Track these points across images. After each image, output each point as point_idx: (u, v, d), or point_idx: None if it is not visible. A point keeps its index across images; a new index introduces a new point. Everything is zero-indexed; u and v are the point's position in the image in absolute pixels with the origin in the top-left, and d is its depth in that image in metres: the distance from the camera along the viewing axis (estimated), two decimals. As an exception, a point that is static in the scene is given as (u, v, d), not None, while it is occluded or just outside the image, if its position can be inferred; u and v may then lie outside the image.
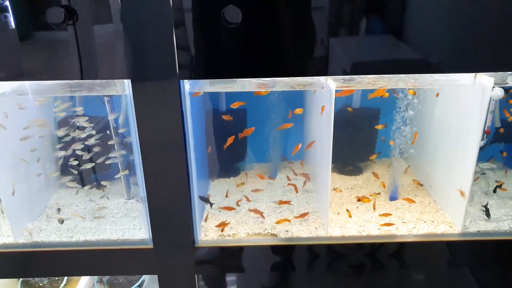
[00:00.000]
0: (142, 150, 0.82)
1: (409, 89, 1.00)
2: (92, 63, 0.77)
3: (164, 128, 0.80)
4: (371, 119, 1.17)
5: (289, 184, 1.12)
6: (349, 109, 1.17)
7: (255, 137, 1.21)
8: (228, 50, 0.75)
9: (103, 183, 1.11)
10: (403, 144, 1.08)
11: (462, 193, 0.90)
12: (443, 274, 0.99)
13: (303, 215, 0.99)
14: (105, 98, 1.02)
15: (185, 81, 0.80)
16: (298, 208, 1.03)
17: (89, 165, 0.98)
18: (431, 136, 1.08)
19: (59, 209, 1.05)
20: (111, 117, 1.03)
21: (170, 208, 0.87)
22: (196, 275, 0.95)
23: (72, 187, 1.09)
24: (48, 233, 0.95)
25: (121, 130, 1.04)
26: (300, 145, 1.11)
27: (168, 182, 0.85)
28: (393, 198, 1.07)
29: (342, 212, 1.01)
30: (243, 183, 1.16)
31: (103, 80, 0.86)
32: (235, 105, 1.01)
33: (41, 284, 1.40)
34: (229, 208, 1.02)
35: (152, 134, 0.81)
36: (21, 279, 1.38)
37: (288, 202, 1.04)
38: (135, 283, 1.36)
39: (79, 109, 0.96)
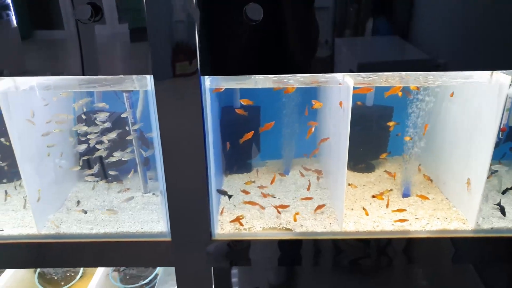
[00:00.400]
0: (163, 144, 0.84)
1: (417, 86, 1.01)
2: (115, 59, 0.79)
3: (185, 123, 0.82)
4: (384, 117, 1.18)
5: (308, 184, 1.13)
6: (359, 103, 1.18)
7: (267, 134, 1.23)
8: (250, 47, 0.77)
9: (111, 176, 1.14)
10: (415, 142, 1.10)
11: (469, 183, 0.91)
12: (456, 270, 1.01)
13: (320, 206, 1.01)
14: (125, 94, 1.05)
15: (206, 77, 0.82)
16: (312, 204, 1.05)
17: (113, 158, 1.00)
18: (444, 134, 1.09)
19: (78, 202, 1.08)
20: (129, 113, 1.05)
21: (189, 202, 0.89)
22: (212, 267, 0.98)
23: (90, 181, 1.12)
24: (69, 224, 0.97)
25: (135, 127, 1.06)
26: (313, 128, 1.11)
27: (187, 177, 0.87)
28: (405, 195, 1.09)
29: (355, 208, 1.03)
30: (253, 181, 1.18)
31: (119, 76, 0.89)
32: (244, 102, 1.02)
33: (55, 278, 1.44)
34: (253, 203, 1.03)
35: (173, 129, 0.82)
36: (37, 272, 1.42)
37: (310, 199, 1.05)
38: (148, 277, 1.38)
39: (102, 105, 0.98)
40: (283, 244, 0.95)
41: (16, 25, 0.76)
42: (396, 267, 0.96)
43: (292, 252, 0.95)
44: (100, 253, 0.95)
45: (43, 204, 0.98)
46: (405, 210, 1.00)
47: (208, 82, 0.83)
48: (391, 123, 1.14)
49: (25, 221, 0.99)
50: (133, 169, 1.14)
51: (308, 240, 0.94)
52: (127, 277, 1.41)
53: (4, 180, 1.14)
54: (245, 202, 1.03)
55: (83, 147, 0.98)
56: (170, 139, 0.84)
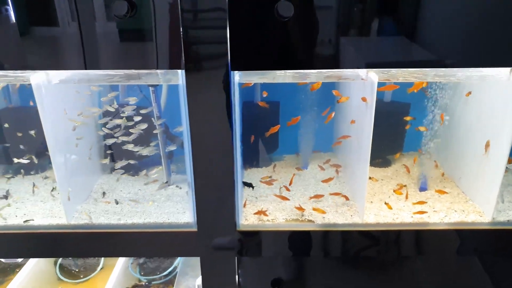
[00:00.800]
0: (192, 138, 0.87)
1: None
2: (149, 53, 0.82)
3: (214, 117, 0.85)
4: (401, 113, 1.21)
5: (327, 179, 1.15)
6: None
7: (285, 129, 1.25)
8: (279, 43, 0.80)
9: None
10: (431, 138, 1.12)
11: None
12: (474, 261, 1.03)
13: (345, 197, 1.04)
14: (150, 89, 1.07)
15: (235, 72, 0.85)
16: (332, 197, 1.07)
17: (145, 151, 1.03)
18: (460, 129, 1.12)
19: (104, 193, 1.11)
20: (155, 107, 1.07)
21: (216, 194, 0.92)
22: (236, 257, 1.00)
23: (117, 174, 1.14)
24: (97, 215, 1.00)
25: (158, 122, 1.09)
26: (333, 114, 1.12)
27: (215, 169, 0.89)
28: (422, 189, 1.11)
29: (375, 201, 1.05)
30: (270, 176, 1.20)
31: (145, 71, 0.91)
32: (264, 94, 1.04)
33: (75, 270, 1.47)
34: (283, 198, 1.06)
35: (202, 123, 0.85)
36: (58, 264, 1.45)
37: (338, 194, 1.07)
38: (166, 269, 1.41)
39: (133, 99, 1.01)
40: (306, 235, 0.98)
41: (51, 20, 0.79)
42: (416, 258, 0.98)
43: (314, 243, 0.98)
44: (128, 243, 0.98)
45: (72, 195, 1.00)
46: (426, 202, 1.03)
47: (237, 77, 0.85)
48: (407, 118, 1.17)
49: (54, 212, 1.02)
50: (161, 166, 1.17)
51: (329, 232, 0.97)
52: (146, 269, 1.45)
53: (32, 172, 1.18)
54: (276, 196, 1.06)
55: (111, 141, 1.01)
56: (199, 133, 0.87)
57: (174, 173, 1.19)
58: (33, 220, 0.99)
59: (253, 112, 1.20)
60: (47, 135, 0.89)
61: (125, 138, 1.05)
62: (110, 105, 1.04)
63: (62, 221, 0.98)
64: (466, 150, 1.09)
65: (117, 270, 1.36)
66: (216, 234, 0.97)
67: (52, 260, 1.49)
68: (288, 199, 1.05)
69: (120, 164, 1.06)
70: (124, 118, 1.03)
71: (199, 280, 1.06)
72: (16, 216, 1.00)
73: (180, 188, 1.13)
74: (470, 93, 1.06)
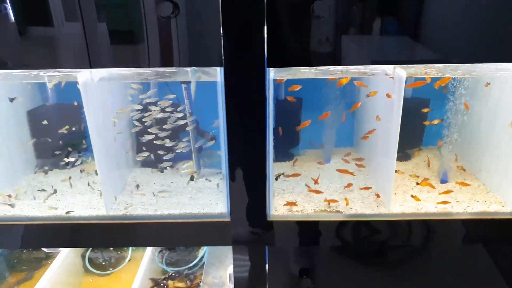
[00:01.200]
0: (228, 132, 0.91)
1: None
2: (191, 52, 0.86)
3: (250, 112, 0.89)
4: (421, 108, 1.25)
5: (343, 169, 1.20)
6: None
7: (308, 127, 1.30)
8: (313, 40, 0.84)
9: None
10: (451, 130, 1.16)
11: None
12: (496, 250, 1.07)
13: (366, 188, 1.09)
14: (183, 86, 1.12)
15: (270, 69, 0.89)
16: (357, 188, 1.12)
17: (181, 146, 1.08)
18: (480, 123, 1.16)
19: (137, 186, 1.16)
20: (187, 104, 1.12)
21: (249, 185, 0.96)
22: (267, 247, 1.05)
23: (148, 167, 1.21)
24: (134, 207, 1.05)
25: (190, 119, 1.13)
26: (360, 103, 1.16)
27: (248, 162, 0.94)
28: (443, 181, 1.15)
29: (398, 192, 1.09)
30: (282, 173, 1.24)
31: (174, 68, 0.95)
32: (293, 88, 1.08)
33: (103, 263, 1.52)
34: (317, 191, 1.10)
35: (239, 118, 0.90)
36: (87, 256, 1.50)
37: (369, 188, 1.11)
38: (191, 261, 1.46)
39: (172, 96, 1.06)
40: (334, 225, 1.03)
41: (99, 21, 0.83)
42: (440, 245, 1.03)
43: (342, 233, 1.03)
44: (165, 233, 1.03)
45: (109, 187, 1.06)
46: (452, 191, 1.07)
47: (272, 73, 0.90)
48: (425, 110, 1.20)
49: (93, 203, 1.07)
50: (191, 160, 1.22)
51: (358, 222, 1.02)
52: (171, 261, 1.49)
53: (68, 167, 1.23)
54: (309, 190, 1.11)
55: (149, 137, 1.06)
56: (235, 127, 0.91)
57: (203, 167, 1.25)
58: (73, 211, 1.04)
59: (278, 107, 1.24)
60: (91, 129, 0.94)
61: (160, 134, 1.10)
62: (151, 103, 1.09)
63: (101, 212, 1.04)
64: (486, 143, 1.13)
65: (145, 261, 1.42)
66: (248, 224, 1.02)
67: (79, 253, 1.54)
68: (322, 192, 1.10)
69: (166, 162, 1.12)
70: (158, 114, 1.09)
71: (230, 269, 1.11)
72: (57, 208, 1.06)
73: (210, 181, 1.19)
74: (488, 84, 1.10)
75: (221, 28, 0.83)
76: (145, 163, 1.26)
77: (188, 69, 1.04)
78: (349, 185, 1.12)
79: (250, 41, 0.84)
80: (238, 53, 0.84)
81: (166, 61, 0.87)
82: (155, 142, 1.11)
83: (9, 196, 1.10)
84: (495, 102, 1.09)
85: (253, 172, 0.96)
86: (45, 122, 1.14)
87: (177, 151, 1.09)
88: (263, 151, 0.94)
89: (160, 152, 1.12)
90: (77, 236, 1.02)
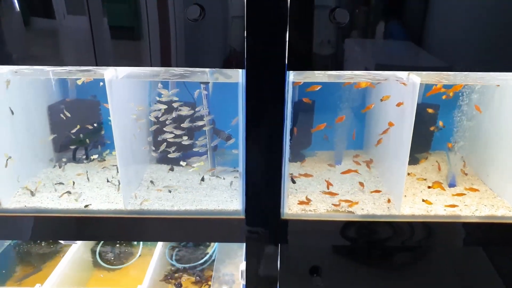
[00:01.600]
0: (247, 131, 0.94)
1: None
2: (214, 53, 0.89)
3: (269, 113, 0.92)
4: (430, 114, 1.28)
5: (346, 170, 1.24)
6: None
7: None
8: (333, 46, 0.87)
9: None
10: (459, 135, 1.20)
11: None
12: (504, 253, 1.10)
13: (377, 191, 1.12)
14: (202, 86, 1.15)
15: (290, 72, 0.92)
16: (368, 190, 1.15)
17: (199, 144, 1.11)
18: (488, 128, 1.19)
19: (152, 182, 1.18)
20: (205, 104, 1.15)
21: (264, 184, 0.99)
22: (280, 244, 1.07)
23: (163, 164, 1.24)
24: (151, 202, 1.08)
25: (208, 118, 1.16)
26: (373, 105, 1.20)
27: (266, 162, 0.97)
28: (452, 185, 1.19)
29: (408, 195, 1.13)
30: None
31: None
32: (313, 88, 1.11)
33: (112, 258, 1.54)
34: (332, 194, 1.13)
35: (258, 117, 0.93)
36: (98, 251, 1.52)
37: (379, 192, 1.14)
38: (200, 258, 1.48)
39: (196, 92, 1.09)
40: (346, 225, 1.05)
41: (126, 21, 0.86)
42: (449, 248, 1.06)
43: (355, 233, 1.05)
44: (180, 228, 1.06)
45: (126, 182, 1.08)
46: (465, 194, 1.10)
47: (292, 76, 0.93)
48: (430, 110, 1.23)
49: (110, 197, 1.10)
50: (203, 157, 1.25)
51: (369, 222, 1.05)
52: (181, 257, 1.52)
53: (85, 161, 1.26)
54: (325, 193, 1.13)
55: (169, 135, 1.09)
56: (254, 127, 0.94)
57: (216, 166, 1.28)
58: (90, 204, 1.07)
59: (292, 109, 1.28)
60: (114, 125, 0.97)
61: (177, 132, 1.13)
62: (174, 101, 1.12)
63: (119, 206, 1.07)
64: (494, 148, 1.17)
65: (155, 257, 1.44)
66: (262, 222, 1.04)
67: (89, 248, 1.57)
68: (337, 194, 1.13)
69: (196, 161, 1.17)
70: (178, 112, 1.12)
71: (242, 266, 1.13)
72: (76, 200, 1.08)
73: (224, 179, 1.21)
74: (499, 85, 1.13)
75: (245, 32, 0.86)
76: (161, 160, 1.29)
77: (207, 69, 1.07)
78: (361, 184, 1.15)
79: (273, 44, 0.87)
80: (260, 56, 0.87)
81: (191, 62, 0.90)
82: (174, 140, 1.14)
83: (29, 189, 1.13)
84: (503, 107, 1.13)
85: (269, 171, 0.99)
86: (67, 115, 1.17)
87: (196, 149, 1.12)
88: (280, 151, 0.97)
89: (171, 149, 1.16)
90: (95, 229, 1.05)
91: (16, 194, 1.10)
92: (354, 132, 1.23)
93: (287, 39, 0.87)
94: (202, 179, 1.21)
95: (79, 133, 1.22)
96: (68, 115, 1.19)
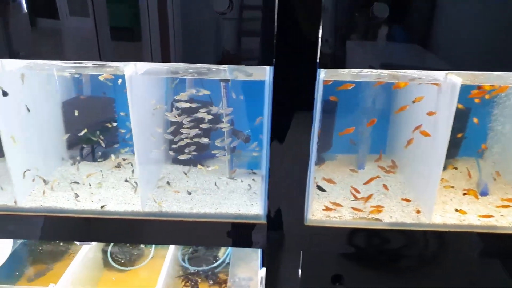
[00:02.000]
0: (273, 132, 0.89)
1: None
2: (240, 49, 0.85)
3: (298, 113, 0.87)
4: (460, 117, 1.21)
5: (369, 180, 1.16)
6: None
7: (340, 129, 1.27)
8: (367, 43, 0.82)
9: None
10: (491, 141, 1.14)
11: None
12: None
13: (406, 200, 1.06)
14: (222, 84, 1.10)
15: (321, 69, 0.87)
16: (395, 196, 1.09)
17: (218, 144, 1.07)
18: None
19: (168, 183, 1.14)
20: (225, 103, 1.11)
21: (289, 188, 0.94)
22: (301, 252, 1.03)
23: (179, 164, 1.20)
24: (169, 204, 1.04)
25: (227, 118, 1.12)
26: (408, 106, 1.10)
27: (291, 164, 0.92)
28: (483, 193, 1.13)
29: (438, 202, 1.07)
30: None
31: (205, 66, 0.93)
32: (345, 87, 1.06)
33: (123, 259, 1.50)
34: (365, 199, 1.07)
35: (286, 118, 0.88)
36: (109, 252, 1.49)
37: (409, 201, 1.07)
38: (212, 262, 1.44)
39: (205, 92, 1.05)
40: (373, 233, 1.00)
41: (155, 19, 0.81)
42: (482, 259, 1.00)
43: (381, 241, 1.00)
44: (198, 232, 1.01)
45: (143, 183, 1.03)
46: (510, 206, 1.03)
47: (323, 74, 0.88)
48: (459, 106, 1.13)
49: (127, 198, 1.06)
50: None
51: (398, 231, 0.99)
52: (194, 260, 1.48)
53: (99, 160, 1.22)
54: (356, 198, 1.08)
55: (192, 133, 1.05)
56: (281, 128, 0.89)
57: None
58: (106, 205, 1.03)
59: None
60: (133, 123, 0.93)
61: (193, 132, 1.09)
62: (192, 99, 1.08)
63: (136, 208, 1.02)
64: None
65: (168, 259, 1.40)
66: (284, 228, 1.00)
67: (100, 248, 1.53)
68: (370, 198, 1.06)
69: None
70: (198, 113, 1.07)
71: (262, 272, 1.09)
72: (92, 201, 1.04)
73: (242, 181, 1.17)
74: None
75: (275, 26, 0.82)
76: (176, 160, 1.25)
77: (225, 67, 1.02)
78: (385, 187, 1.09)
79: (305, 40, 0.82)
80: (290, 52, 0.82)
81: (215, 58, 0.85)
82: (192, 140, 1.10)
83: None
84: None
85: (294, 175, 0.94)
86: (79, 112, 1.14)
87: (215, 152, 1.08)
88: (307, 154, 0.92)
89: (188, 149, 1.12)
90: (111, 231, 1.01)
91: (32, 192, 1.07)
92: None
93: (320, 35, 0.82)
94: (230, 177, 1.17)
95: (93, 130, 1.19)
96: (77, 113, 1.15)
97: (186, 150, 1.11)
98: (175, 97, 1.10)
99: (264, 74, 0.88)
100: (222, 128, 1.10)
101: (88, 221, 1.00)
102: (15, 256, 1.45)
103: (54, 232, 1.03)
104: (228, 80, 1.09)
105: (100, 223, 1.00)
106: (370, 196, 1.09)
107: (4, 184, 1.07)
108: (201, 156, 1.24)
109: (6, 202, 1.02)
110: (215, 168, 1.19)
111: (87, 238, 1.00)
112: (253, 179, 1.17)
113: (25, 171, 1.04)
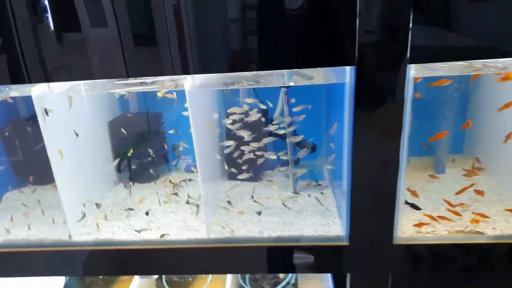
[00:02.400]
0: (354, 141, 0.78)
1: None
2: (317, 50, 0.73)
3: (385, 117, 0.75)
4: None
5: (461, 189, 0.99)
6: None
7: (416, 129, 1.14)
8: (468, 32, 0.69)
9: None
10: None
11: None
12: None
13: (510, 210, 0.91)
14: (282, 90, 0.99)
15: (411, 65, 0.75)
16: (492, 203, 0.95)
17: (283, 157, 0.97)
18: None
19: (229, 202, 1.04)
20: (286, 110, 0.99)
21: (375, 203, 0.82)
22: (390, 274, 0.90)
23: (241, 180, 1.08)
24: (235, 227, 0.93)
25: (290, 129, 1.00)
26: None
27: (377, 175, 0.80)
28: None
29: (546, 209, 0.92)
30: None
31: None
32: (440, 83, 0.92)
33: (180, 283, 1.41)
34: (456, 213, 0.93)
35: (371, 122, 0.76)
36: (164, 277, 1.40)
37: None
38: (276, 283, 1.33)
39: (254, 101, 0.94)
40: (475, 249, 0.86)
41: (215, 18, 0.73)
42: None
43: (486, 258, 0.86)
44: (274, 258, 0.89)
45: (210, 204, 0.95)
46: None
47: (413, 70, 0.76)
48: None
49: (188, 224, 0.95)
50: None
51: (507, 245, 0.85)
52: (256, 282, 1.37)
53: (154, 181, 1.13)
54: (450, 211, 0.92)
55: (248, 148, 0.94)
56: (363, 134, 0.77)
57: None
58: (168, 234, 0.94)
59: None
60: (195, 138, 0.83)
61: (255, 145, 0.98)
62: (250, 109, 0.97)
63: (200, 235, 0.92)
64: None
65: (228, 283, 1.30)
66: (370, 249, 0.87)
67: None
68: (461, 215, 0.92)
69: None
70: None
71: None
72: (151, 230, 0.95)
73: (309, 196, 1.05)
74: None
75: (357, 21, 0.70)
76: (232, 176, 1.14)
77: (284, 71, 0.92)
78: (480, 193, 0.94)
79: (392, 33, 0.70)
80: (377, 49, 0.70)
81: (289, 62, 0.74)
82: (250, 155, 0.99)
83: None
84: None
85: (382, 187, 0.82)
86: (123, 131, 1.06)
87: (281, 170, 0.97)
88: (397, 163, 0.80)
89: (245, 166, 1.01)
90: (175, 262, 0.91)
91: (86, 224, 0.99)
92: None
93: (410, 26, 0.70)
94: (294, 191, 1.06)
95: (142, 148, 1.10)
96: (124, 131, 1.07)
97: (244, 167, 1.01)
98: (228, 111, 1.01)
99: (320, 77, 0.76)
100: (287, 139, 0.99)
101: (149, 253, 0.91)
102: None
103: (112, 267, 0.94)
104: (289, 86, 0.99)
105: (162, 254, 0.91)
106: (462, 205, 0.95)
107: (55, 215, 1.00)
108: (257, 169, 1.14)
109: (59, 236, 0.95)
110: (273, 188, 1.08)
111: (149, 271, 0.91)
112: (322, 193, 1.06)
113: (83, 208, 0.96)
